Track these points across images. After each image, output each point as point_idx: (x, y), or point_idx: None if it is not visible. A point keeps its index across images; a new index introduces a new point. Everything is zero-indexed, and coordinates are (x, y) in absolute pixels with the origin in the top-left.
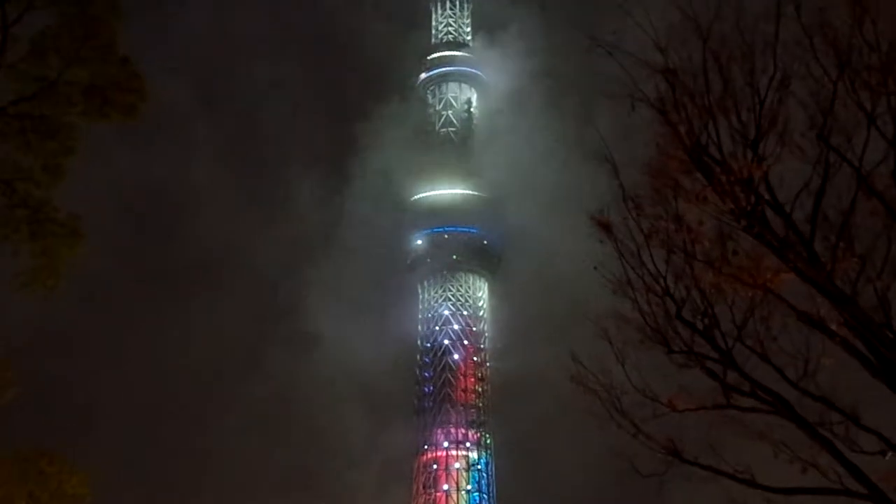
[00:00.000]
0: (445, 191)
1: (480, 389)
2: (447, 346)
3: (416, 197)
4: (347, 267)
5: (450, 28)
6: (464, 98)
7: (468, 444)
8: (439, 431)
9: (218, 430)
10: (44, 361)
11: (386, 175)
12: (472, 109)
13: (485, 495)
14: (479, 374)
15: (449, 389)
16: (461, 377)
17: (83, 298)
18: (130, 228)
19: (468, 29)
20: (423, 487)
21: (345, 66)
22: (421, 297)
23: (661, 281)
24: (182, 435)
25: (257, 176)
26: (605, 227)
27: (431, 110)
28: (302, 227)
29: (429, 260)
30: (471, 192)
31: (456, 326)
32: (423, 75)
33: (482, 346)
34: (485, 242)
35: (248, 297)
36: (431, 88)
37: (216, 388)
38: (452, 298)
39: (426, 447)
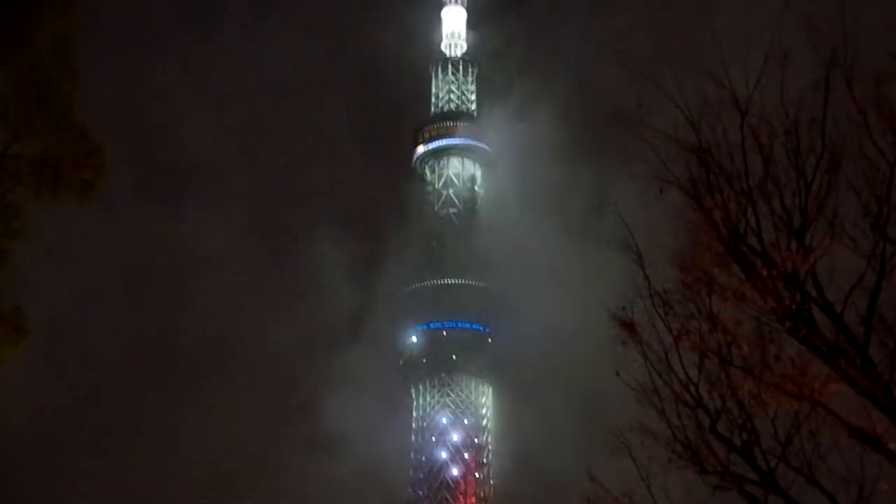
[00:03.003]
0: (444, 281)
1: None
2: (445, 460)
3: (410, 288)
4: (362, 359)
5: (452, 95)
6: (467, 175)
7: None
8: None
9: None
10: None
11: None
12: (476, 188)
13: None
14: (482, 494)
15: None
16: (460, 497)
17: (87, 388)
18: (141, 301)
19: (472, 97)
20: None
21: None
22: (415, 403)
23: (693, 389)
24: None
25: (283, 245)
26: (629, 326)
27: (430, 188)
28: (323, 311)
29: (424, 360)
30: (473, 282)
31: (455, 437)
32: (420, 149)
33: (485, 460)
34: (489, 341)
35: (261, 388)
36: (430, 164)
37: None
38: (451, 405)
39: None
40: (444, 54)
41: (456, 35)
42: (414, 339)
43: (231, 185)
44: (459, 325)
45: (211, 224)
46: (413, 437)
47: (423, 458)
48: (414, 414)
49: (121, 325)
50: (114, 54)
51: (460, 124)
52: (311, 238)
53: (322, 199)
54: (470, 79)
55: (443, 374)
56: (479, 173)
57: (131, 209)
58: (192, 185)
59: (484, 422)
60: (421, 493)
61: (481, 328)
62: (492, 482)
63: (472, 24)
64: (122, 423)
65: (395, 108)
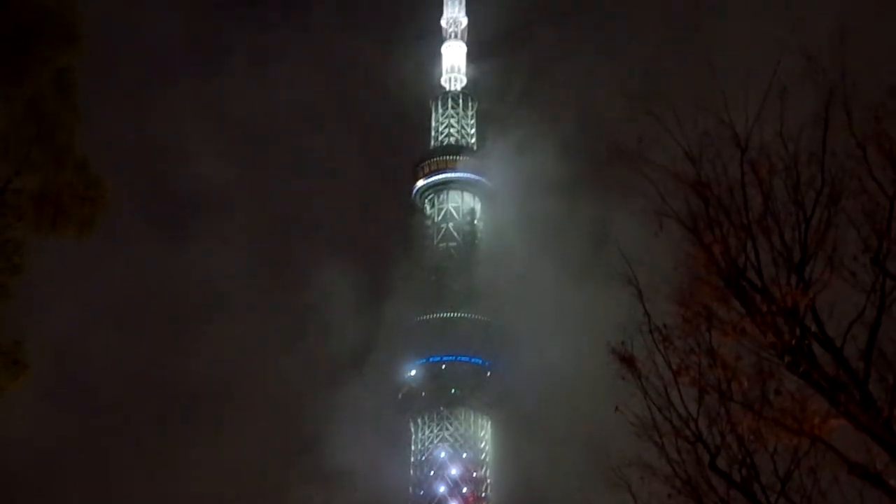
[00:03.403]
0: (444, 315)
1: None
2: (443, 494)
3: (409, 321)
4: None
5: (451, 129)
6: (466, 208)
7: None
8: None
9: None
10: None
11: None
12: (476, 221)
13: None
14: None
15: None
16: None
17: (91, 421)
18: (145, 333)
19: (472, 131)
20: None
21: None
22: (414, 436)
23: (693, 424)
24: None
25: (288, 277)
26: (628, 361)
27: (429, 222)
28: (327, 344)
29: (423, 394)
30: (473, 316)
31: (454, 472)
32: (420, 182)
33: (484, 494)
34: (488, 375)
35: (265, 422)
36: (430, 197)
37: None
38: (450, 439)
39: None
40: (444, 88)
41: (456, 69)
42: (413, 372)
43: (237, 216)
44: (458, 359)
45: (216, 256)
46: (412, 471)
47: (422, 492)
48: (413, 448)
49: (124, 357)
50: (120, 86)
51: (460, 158)
52: (316, 270)
53: (328, 232)
54: (470, 113)
55: (442, 408)
56: (478, 207)
57: (137, 241)
58: (198, 216)
59: (483, 456)
60: None
61: (480, 362)
62: None
63: (472, 58)
64: (126, 457)
65: (398, 142)
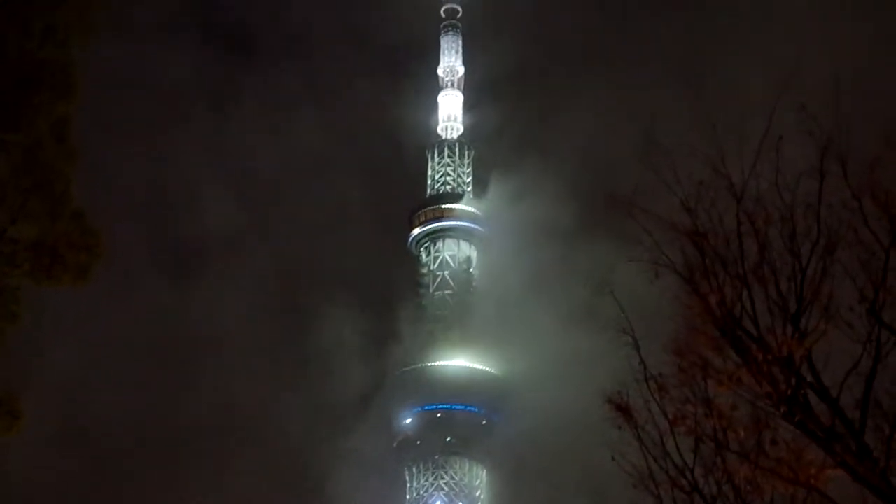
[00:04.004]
0: (440, 363)
1: None
2: None
3: (405, 369)
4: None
5: (448, 177)
6: (462, 257)
7: None
8: None
9: None
10: None
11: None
12: (471, 270)
13: None
14: None
15: None
16: None
17: (95, 462)
18: (151, 377)
19: (468, 179)
20: None
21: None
22: (409, 485)
23: (689, 474)
24: None
25: (293, 321)
26: (624, 410)
27: (425, 270)
28: (329, 390)
29: (419, 442)
30: (469, 364)
31: None
32: (415, 230)
33: None
34: (484, 423)
35: (269, 466)
36: (426, 245)
37: None
38: (446, 488)
39: None
40: (441, 137)
41: (452, 118)
42: (408, 420)
43: (243, 260)
44: (454, 407)
45: (222, 300)
46: None
47: None
48: (408, 497)
49: (130, 400)
50: (131, 131)
51: (456, 206)
52: (321, 315)
53: (334, 277)
54: (466, 161)
55: (437, 457)
56: (474, 255)
57: (144, 284)
58: (205, 260)
59: None
60: None
61: (476, 410)
62: None
63: (468, 106)
64: (129, 498)
65: (398, 188)
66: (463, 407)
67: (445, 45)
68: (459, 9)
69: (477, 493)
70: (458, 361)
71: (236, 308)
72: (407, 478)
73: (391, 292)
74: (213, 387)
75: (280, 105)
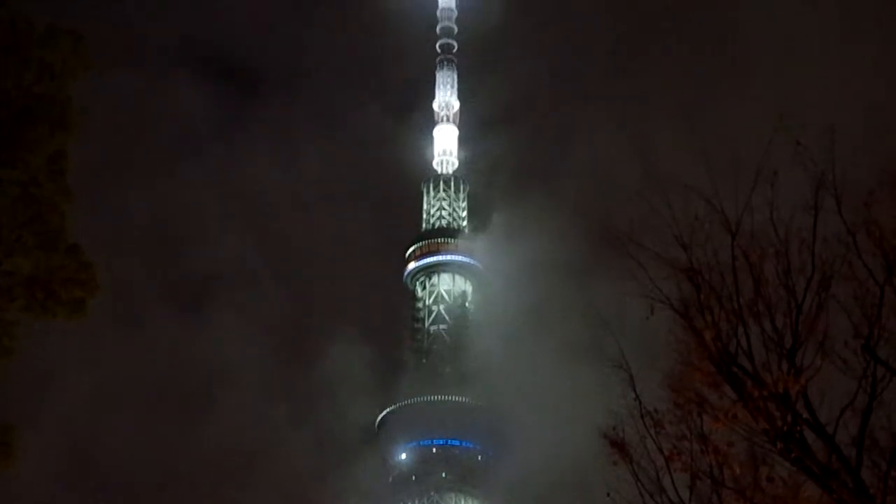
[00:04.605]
0: (434, 398)
1: None
2: None
3: (399, 404)
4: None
5: (443, 212)
6: (458, 291)
7: None
8: None
9: None
10: None
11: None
12: (467, 304)
13: None
14: None
15: None
16: None
17: (105, 498)
18: (161, 411)
19: (464, 213)
20: None
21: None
22: None
23: None
24: None
25: (299, 356)
26: (620, 446)
27: (420, 305)
28: (335, 423)
29: (414, 478)
30: (464, 399)
31: None
32: (411, 265)
33: None
34: (479, 458)
35: (276, 500)
36: (421, 280)
37: None
38: None
39: None
40: (436, 171)
41: (448, 152)
42: (403, 456)
43: (251, 293)
44: (449, 443)
45: (231, 333)
46: None
47: None
48: None
49: (139, 434)
50: (144, 163)
51: (451, 241)
52: (327, 349)
53: (339, 309)
54: (461, 195)
55: (432, 493)
56: (469, 289)
57: (155, 317)
58: (214, 293)
59: None
60: None
61: (471, 445)
62: None
63: (464, 141)
64: None
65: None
66: (458, 442)
67: (441, 80)
68: (455, 44)
69: None
70: (453, 396)
71: (244, 342)
72: None
73: (392, 325)
74: (221, 421)
75: (286, 137)
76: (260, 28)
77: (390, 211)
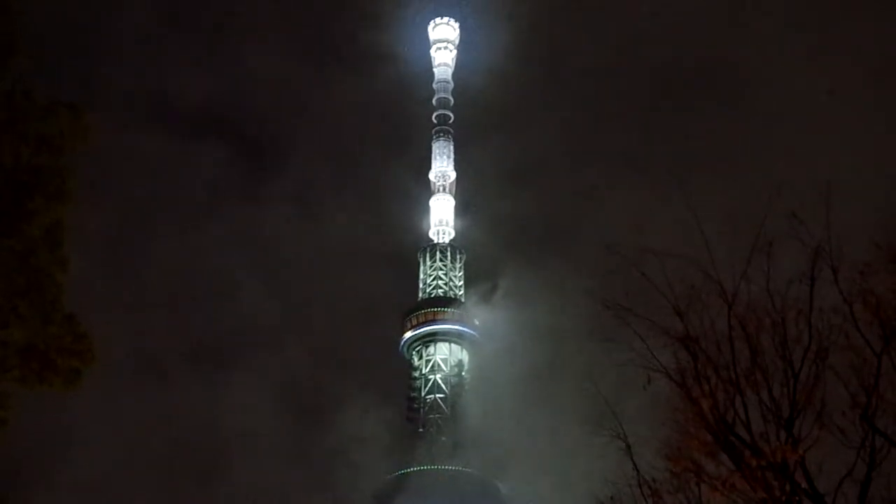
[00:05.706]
0: (431, 467)
1: None
2: None
3: (397, 473)
4: None
5: (440, 281)
6: (454, 360)
7: None
8: None
9: None
10: None
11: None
12: (463, 373)
13: None
14: None
15: None
16: None
17: None
18: (179, 473)
19: (460, 283)
20: None
21: None
22: None
23: None
24: None
25: (318, 417)
26: None
27: (417, 373)
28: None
29: None
30: (461, 468)
31: None
32: (407, 334)
33: None
34: None
35: None
36: (418, 349)
37: None
38: None
39: None
40: (433, 241)
41: (444, 222)
42: None
43: (273, 351)
44: None
45: (251, 394)
46: None
47: None
48: None
49: (157, 498)
50: (167, 222)
51: (448, 310)
52: (344, 411)
53: (354, 371)
54: (458, 265)
55: None
56: (466, 358)
57: (176, 378)
58: (237, 351)
59: None
60: None
61: None
62: None
63: (460, 210)
64: None
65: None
66: None
67: (437, 151)
68: (451, 115)
69: None
70: (449, 466)
71: (263, 401)
72: None
73: (397, 389)
74: (239, 482)
75: (309, 196)
76: (277, 91)
77: (409, 270)
